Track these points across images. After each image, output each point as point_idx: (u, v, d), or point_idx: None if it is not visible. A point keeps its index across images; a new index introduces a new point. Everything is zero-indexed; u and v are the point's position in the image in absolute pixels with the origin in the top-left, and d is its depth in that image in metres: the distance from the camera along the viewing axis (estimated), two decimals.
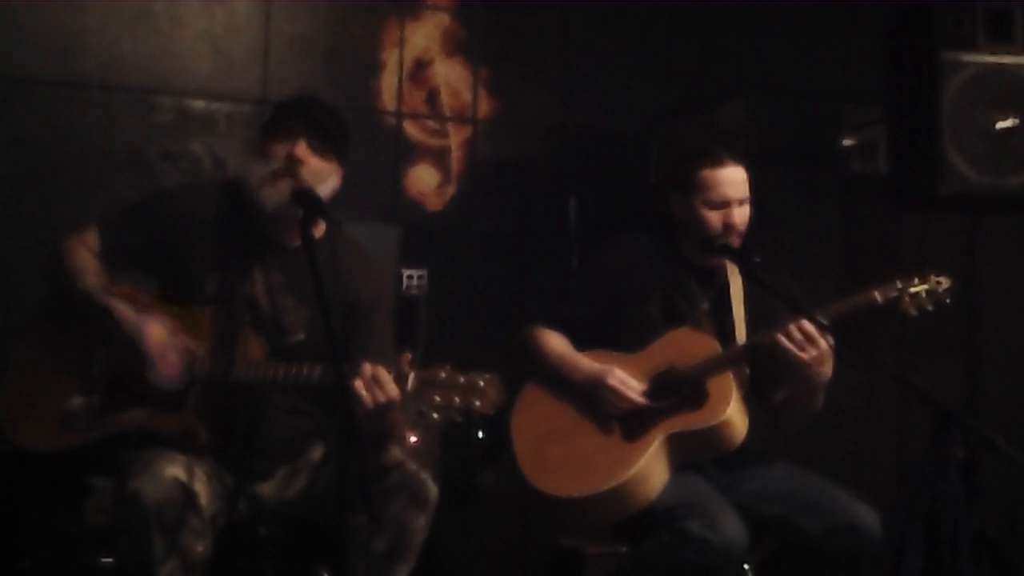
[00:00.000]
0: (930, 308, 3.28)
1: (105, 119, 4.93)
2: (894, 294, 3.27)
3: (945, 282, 3.30)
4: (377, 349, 3.10)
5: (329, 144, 3.10)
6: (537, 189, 5.55)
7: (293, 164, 3.03)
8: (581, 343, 3.45)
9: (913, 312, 3.28)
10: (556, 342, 3.45)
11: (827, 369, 3.25)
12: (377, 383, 2.83)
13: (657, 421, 3.29)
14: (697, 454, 3.33)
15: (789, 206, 4.80)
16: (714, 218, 3.41)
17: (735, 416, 3.28)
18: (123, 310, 3.01)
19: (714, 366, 3.31)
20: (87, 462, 3.09)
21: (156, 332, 2.99)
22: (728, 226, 3.40)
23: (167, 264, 3.13)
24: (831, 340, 3.21)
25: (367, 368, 2.83)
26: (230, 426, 3.01)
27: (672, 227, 3.51)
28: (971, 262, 4.11)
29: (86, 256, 3.09)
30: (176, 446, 2.94)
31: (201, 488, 2.90)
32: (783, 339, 3.23)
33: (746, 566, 3.36)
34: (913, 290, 3.27)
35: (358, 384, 2.82)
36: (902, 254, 4.78)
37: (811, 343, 3.21)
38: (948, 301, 3.29)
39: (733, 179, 3.41)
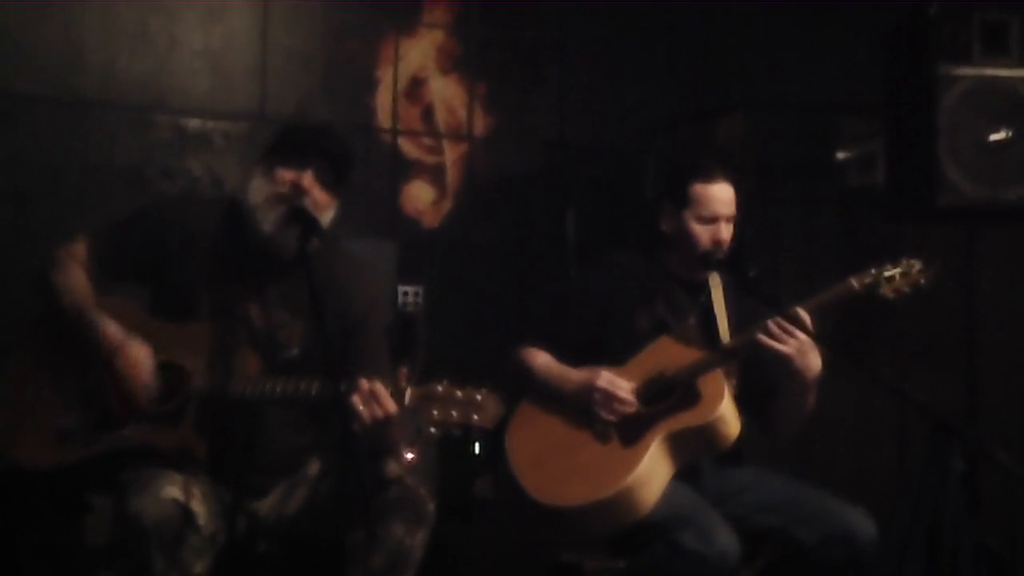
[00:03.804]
0: (907, 291, 3.33)
1: (103, 136, 4.95)
2: (869, 280, 3.32)
3: (918, 264, 3.35)
4: (371, 357, 3.11)
5: (336, 179, 3.11)
6: (534, 204, 5.55)
7: (298, 192, 3.04)
8: (571, 360, 3.46)
9: (891, 296, 3.33)
10: (543, 359, 3.47)
11: (814, 361, 3.30)
12: (375, 398, 2.82)
13: (653, 424, 3.31)
14: (695, 454, 3.34)
15: (787, 218, 4.80)
16: (703, 233, 3.44)
17: (729, 413, 3.30)
18: (109, 327, 3.01)
19: (703, 367, 3.34)
20: (85, 480, 3.08)
21: (137, 353, 2.99)
22: (716, 242, 3.44)
23: (160, 277, 3.13)
24: (808, 328, 3.26)
25: (364, 383, 2.83)
26: (227, 441, 3.01)
27: (659, 241, 3.54)
28: (969, 274, 4.11)
29: (75, 270, 3.09)
30: (174, 462, 2.93)
31: (199, 507, 2.89)
32: (763, 336, 3.28)
33: None
34: (887, 274, 3.33)
35: (356, 399, 2.82)
36: None
37: (789, 334, 3.26)
38: (923, 283, 3.33)
39: (723, 196, 3.46)
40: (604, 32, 5.69)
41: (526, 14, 5.62)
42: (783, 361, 3.29)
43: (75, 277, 3.08)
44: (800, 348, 3.27)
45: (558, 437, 3.38)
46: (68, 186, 4.87)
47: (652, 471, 3.26)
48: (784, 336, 3.26)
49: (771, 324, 3.28)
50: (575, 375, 3.41)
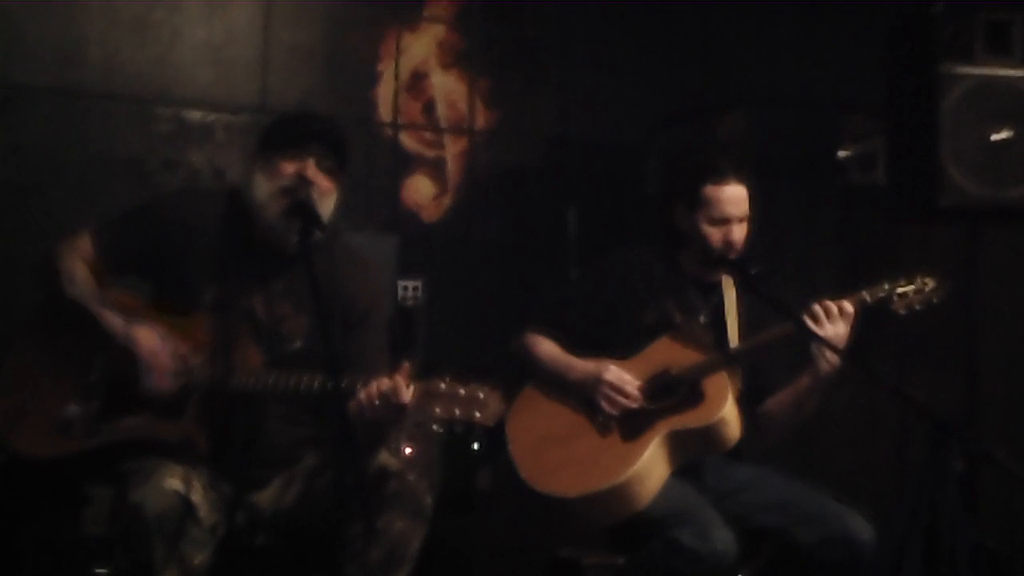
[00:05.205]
0: (918, 308, 3.34)
1: (105, 128, 4.94)
2: (882, 295, 3.34)
3: (932, 283, 3.35)
4: (372, 352, 3.11)
5: (337, 164, 3.11)
6: (536, 199, 5.55)
7: (303, 183, 3.04)
8: (575, 349, 3.46)
9: (902, 312, 3.34)
10: (548, 346, 3.48)
11: (842, 342, 3.27)
12: (390, 392, 2.83)
13: (655, 421, 3.31)
14: (695, 453, 3.35)
15: (789, 217, 4.79)
16: (715, 234, 3.43)
17: (731, 416, 3.31)
18: (113, 319, 3.01)
19: (709, 367, 3.34)
20: (85, 471, 3.08)
21: (148, 339, 2.98)
22: (728, 243, 3.43)
23: (164, 270, 3.12)
24: (850, 316, 3.27)
25: (385, 382, 2.83)
26: (228, 434, 3.01)
27: (673, 239, 3.53)
28: (970, 273, 4.11)
29: (78, 263, 3.08)
30: (175, 454, 2.93)
31: (200, 499, 2.88)
32: (805, 318, 3.26)
33: None
34: (900, 291, 3.34)
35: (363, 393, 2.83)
36: (901, 265, 4.78)
37: (831, 319, 3.25)
38: (936, 301, 3.35)
39: (735, 197, 3.44)
40: (606, 28, 5.69)
41: (528, 10, 5.61)
42: (817, 348, 3.27)
43: (78, 270, 3.07)
44: (836, 336, 3.26)
45: (559, 426, 3.39)
46: (69, 178, 4.87)
47: (650, 468, 3.27)
48: (825, 321, 3.26)
49: (816, 307, 3.27)
50: (581, 365, 3.41)
